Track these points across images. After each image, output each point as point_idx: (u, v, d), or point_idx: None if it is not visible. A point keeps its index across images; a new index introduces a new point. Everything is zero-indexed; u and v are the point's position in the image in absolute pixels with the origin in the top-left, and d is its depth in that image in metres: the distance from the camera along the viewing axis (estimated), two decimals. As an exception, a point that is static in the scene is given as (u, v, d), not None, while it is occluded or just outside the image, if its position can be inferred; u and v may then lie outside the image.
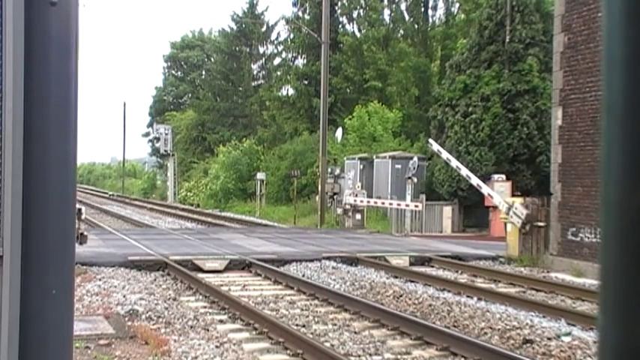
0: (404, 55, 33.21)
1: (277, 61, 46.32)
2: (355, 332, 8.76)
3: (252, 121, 47.62)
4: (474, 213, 23.66)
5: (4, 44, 2.02)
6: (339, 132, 31.13)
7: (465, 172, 18.95)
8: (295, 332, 8.12)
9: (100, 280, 11.89)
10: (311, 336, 8.25)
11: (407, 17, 36.34)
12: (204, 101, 50.83)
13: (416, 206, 22.16)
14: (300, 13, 39.93)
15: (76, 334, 7.31)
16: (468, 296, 11.00)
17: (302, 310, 10.13)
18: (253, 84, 49.98)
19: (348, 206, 24.49)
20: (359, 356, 7.67)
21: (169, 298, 10.61)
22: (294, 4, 40.10)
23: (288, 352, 7.73)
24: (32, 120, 2.03)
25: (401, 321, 8.87)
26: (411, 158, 23.67)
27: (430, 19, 36.32)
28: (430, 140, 21.66)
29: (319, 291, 11.11)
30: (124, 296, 10.51)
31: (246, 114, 48.82)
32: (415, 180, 22.82)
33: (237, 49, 49.73)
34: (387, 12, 36.98)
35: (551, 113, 15.46)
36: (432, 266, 15.01)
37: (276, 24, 49.02)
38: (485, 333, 8.68)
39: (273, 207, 34.09)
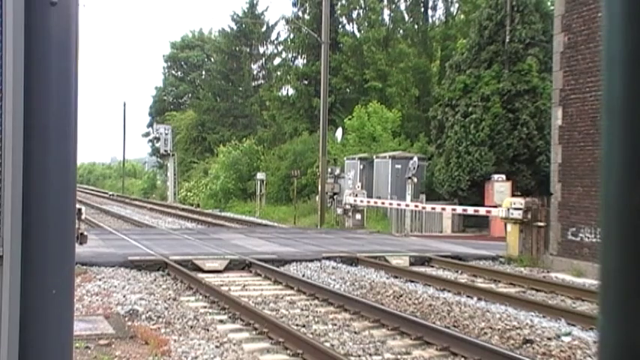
0: (404, 56, 33.21)
1: (277, 61, 46.35)
2: (355, 332, 8.76)
3: (252, 121, 47.62)
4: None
5: (4, 44, 2.02)
6: (339, 132, 31.12)
7: (459, 209, 20.93)
8: (295, 332, 8.12)
9: (100, 280, 11.89)
10: (311, 336, 8.25)
11: (407, 18, 36.35)
12: (204, 101, 50.82)
13: (416, 206, 22.16)
14: (300, 13, 39.93)
15: (76, 334, 7.31)
16: (468, 296, 10.99)
17: (302, 310, 10.12)
18: (253, 84, 49.99)
19: (348, 206, 24.48)
20: (359, 356, 7.66)
21: (169, 298, 10.61)
22: (294, 4, 40.11)
23: (288, 352, 7.73)
24: (32, 120, 2.03)
25: (401, 321, 8.87)
26: (411, 158, 23.67)
27: (430, 20, 36.36)
28: None
29: (319, 291, 11.10)
30: (124, 296, 10.51)
31: (246, 114, 48.81)
32: (415, 180, 22.82)
33: (237, 49, 49.72)
34: (386, 12, 37.01)
35: (551, 113, 15.46)
36: (432, 266, 15.01)
37: (276, 24, 49.11)
38: (485, 333, 8.68)
39: (273, 207, 34.07)
